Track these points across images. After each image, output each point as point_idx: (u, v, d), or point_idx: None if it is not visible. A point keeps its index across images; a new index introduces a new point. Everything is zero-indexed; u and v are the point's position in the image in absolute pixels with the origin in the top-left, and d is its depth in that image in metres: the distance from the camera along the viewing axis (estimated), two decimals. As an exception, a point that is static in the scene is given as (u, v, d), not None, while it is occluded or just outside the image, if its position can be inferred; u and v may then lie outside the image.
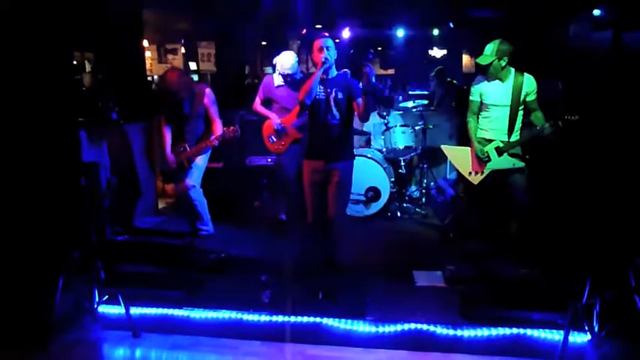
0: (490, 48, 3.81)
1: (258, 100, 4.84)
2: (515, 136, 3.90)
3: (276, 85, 4.72)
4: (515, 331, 2.94)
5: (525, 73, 3.83)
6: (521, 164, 3.85)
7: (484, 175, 3.97)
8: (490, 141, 3.93)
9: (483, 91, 3.94)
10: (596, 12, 5.37)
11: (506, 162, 3.87)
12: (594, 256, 2.95)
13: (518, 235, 3.92)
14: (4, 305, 3.25)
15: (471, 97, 4.02)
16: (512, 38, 3.90)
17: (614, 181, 3.74)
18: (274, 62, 4.69)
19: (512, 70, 3.85)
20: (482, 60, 3.84)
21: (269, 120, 4.77)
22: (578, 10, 5.66)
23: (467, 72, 10.66)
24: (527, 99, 3.83)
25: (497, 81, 3.88)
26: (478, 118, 4.01)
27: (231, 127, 4.29)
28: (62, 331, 3.16)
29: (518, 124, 3.89)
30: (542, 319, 2.99)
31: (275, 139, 4.78)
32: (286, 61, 4.58)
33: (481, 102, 3.94)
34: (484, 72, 3.93)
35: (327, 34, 3.47)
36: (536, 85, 3.82)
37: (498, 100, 3.87)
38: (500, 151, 3.87)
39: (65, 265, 3.16)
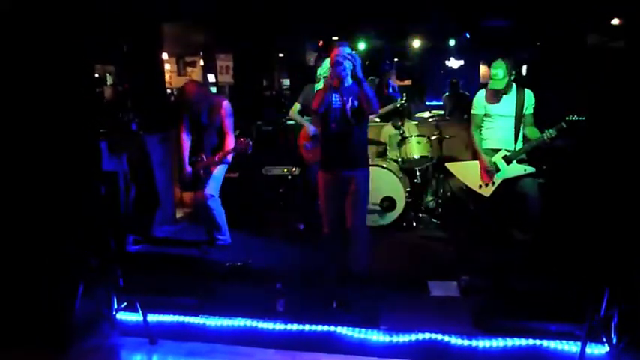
0: (501, 72, 3.90)
1: (296, 107, 4.85)
2: (520, 145, 3.99)
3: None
4: (531, 342, 2.91)
5: (525, 88, 3.98)
6: (532, 169, 3.88)
7: (495, 186, 3.97)
8: (496, 151, 3.97)
9: (488, 103, 4.00)
10: (614, 21, 5.36)
11: (516, 169, 3.90)
12: (612, 266, 2.92)
13: (534, 244, 3.90)
14: (25, 310, 3.34)
15: (473, 111, 4.09)
16: (527, 47, 3.94)
17: (631, 191, 3.70)
18: (319, 71, 4.72)
19: (514, 83, 4.00)
20: (498, 84, 3.91)
21: (305, 128, 4.81)
22: (593, 19, 5.65)
23: (484, 82, 10.64)
24: (526, 112, 3.96)
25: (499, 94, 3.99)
26: (481, 130, 4.07)
27: (242, 140, 4.32)
28: (81, 337, 3.22)
29: (522, 134, 4.00)
30: (559, 330, 2.95)
31: (310, 147, 4.81)
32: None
33: (485, 114, 4.01)
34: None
35: (346, 43, 3.52)
36: (534, 101, 3.97)
37: (504, 111, 3.96)
38: (508, 160, 3.90)
39: (85, 272, 3.23)
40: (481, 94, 4.11)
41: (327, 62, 4.62)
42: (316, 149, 4.73)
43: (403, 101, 5.70)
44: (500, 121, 3.99)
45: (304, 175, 4.92)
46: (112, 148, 4.83)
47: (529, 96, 3.97)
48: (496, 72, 3.91)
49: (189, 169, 4.57)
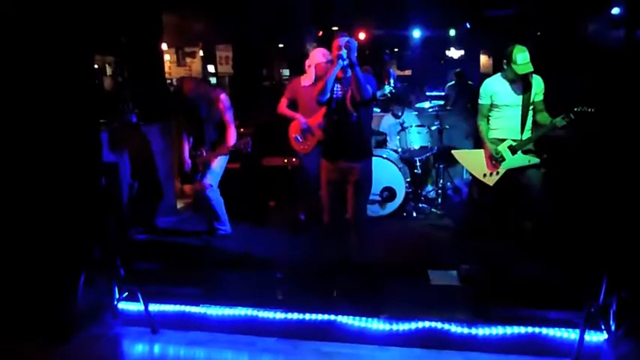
0: (526, 56, 3.78)
1: (284, 102, 4.84)
2: (527, 134, 3.93)
3: (302, 84, 4.73)
4: (530, 329, 2.92)
5: (534, 75, 3.88)
6: (536, 160, 3.86)
7: (500, 176, 3.97)
8: (503, 140, 3.95)
9: (495, 91, 3.95)
10: (614, 10, 5.34)
11: (521, 160, 3.88)
12: (611, 254, 2.92)
13: (535, 233, 3.90)
14: (28, 300, 3.36)
15: (480, 101, 4.04)
16: (529, 37, 3.90)
17: (630, 179, 3.70)
18: (307, 63, 4.69)
19: None
20: (527, 69, 3.78)
21: (296, 120, 4.81)
22: (594, 9, 5.62)
23: (485, 72, 10.60)
24: (535, 99, 3.89)
25: (508, 82, 3.92)
26: (488, 120, 4.04)
27: (243, 140, 4.39)
28: (83, 327, 3.25)
29: (529, 123, 3.94)
30: (558, 318, 2.96)
31: (301, 139, 4.80)
32: (317, 55, 4.56)
33: (491, 103, 3.97)
34: (513, 77, 3.90)
35: (346, 34, 3.50)
36: (543, 86, 3.88)
37: (511, 100, 3.90)
38: (513, 150, 3.89)
39: (86, 262, 3.25)
40: (487, 83, 4.03)
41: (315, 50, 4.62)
42: (306, 141, 4.75)
43: (392, 89, 5.68)
44: (507, 111, 3.94)
45: (300, 165, 4.93)
46: (112, 140, 4.83)
47: (537, 82, 3.89)
48: (525, 55, 3.76)
49: (188, 162, 4.62)
